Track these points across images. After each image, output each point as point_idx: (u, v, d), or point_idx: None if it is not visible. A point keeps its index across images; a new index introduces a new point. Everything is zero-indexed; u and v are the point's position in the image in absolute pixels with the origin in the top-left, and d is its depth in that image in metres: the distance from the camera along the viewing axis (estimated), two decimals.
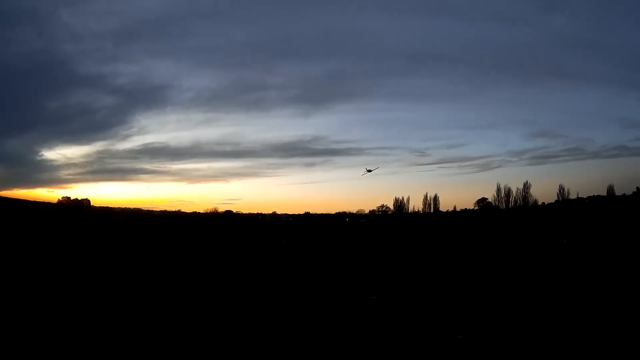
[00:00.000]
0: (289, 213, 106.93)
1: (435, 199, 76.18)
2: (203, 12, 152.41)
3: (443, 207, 79.10)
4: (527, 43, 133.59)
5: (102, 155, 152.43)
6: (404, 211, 77.01)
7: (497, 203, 67.41)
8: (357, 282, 14.91)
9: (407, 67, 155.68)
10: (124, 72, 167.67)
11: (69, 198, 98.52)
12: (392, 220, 75.05)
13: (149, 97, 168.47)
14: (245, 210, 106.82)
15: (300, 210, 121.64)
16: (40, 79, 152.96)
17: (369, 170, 54.78)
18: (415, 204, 79.84)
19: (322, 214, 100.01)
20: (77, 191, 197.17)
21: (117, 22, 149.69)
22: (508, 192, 66.43)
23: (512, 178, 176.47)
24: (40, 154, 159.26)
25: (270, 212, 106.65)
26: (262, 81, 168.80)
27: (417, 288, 13.35)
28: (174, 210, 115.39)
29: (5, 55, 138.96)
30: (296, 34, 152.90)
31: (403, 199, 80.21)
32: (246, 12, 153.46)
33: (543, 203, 69.86)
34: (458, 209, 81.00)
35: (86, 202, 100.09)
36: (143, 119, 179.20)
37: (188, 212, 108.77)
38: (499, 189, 67.23)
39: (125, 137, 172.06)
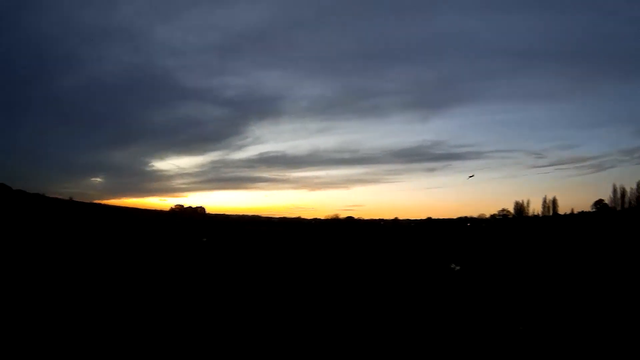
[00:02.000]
0: (411, 218, 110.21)
1: (554, 201, 72.83)
2: (305, 23, 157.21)
3: (561, 210, 73.39)
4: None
5: (216, 165, 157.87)
6: (523, 215, 73.46)
7: (613, 204, 62.20)
8: (478, 289, 13.59)
9: (517, 65, 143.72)
10: (232, 85, 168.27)
11: (181, 206, 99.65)
12: (512, 225, 72.02)
13: (261, 108, 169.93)
14: (367, 216, 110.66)
15: (422, 215, 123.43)
16: (142, 93, 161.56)
17: (471, 176, 60.23)
18: (535, 207, 76.69)
19: (443, 219, 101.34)
20: (190, 199, 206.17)
21: (219, 37, 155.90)
22: (623, 193, 61.93)
23: (626, 178, 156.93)
24: (150, 164, 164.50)
25: (392, 218, 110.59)
26: (376, 87, 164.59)
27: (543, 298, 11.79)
28: (293, 217, 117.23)
29: (103, 71, 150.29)
30: (404, 38, 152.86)
31: (523, 202, 78.41)
32: (350, 19, 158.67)
33: None
34: (575, 211, 71.99)
35: (200, 209, 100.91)
36: (257, 129, 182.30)
37: (308, 218, 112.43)
38: (615, 190, 63.86)
39: (240, 147, 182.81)
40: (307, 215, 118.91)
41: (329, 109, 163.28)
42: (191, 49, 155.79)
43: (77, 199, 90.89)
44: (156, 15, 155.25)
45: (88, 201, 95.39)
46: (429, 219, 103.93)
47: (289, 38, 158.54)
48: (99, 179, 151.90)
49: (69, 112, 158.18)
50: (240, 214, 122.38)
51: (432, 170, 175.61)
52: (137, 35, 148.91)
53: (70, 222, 42.59)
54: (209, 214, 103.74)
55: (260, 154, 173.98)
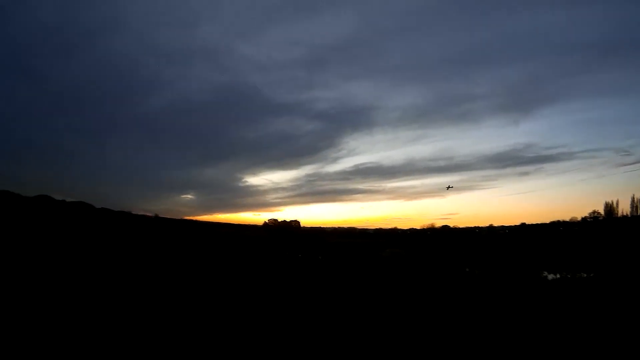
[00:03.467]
0: (505, 225, 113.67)
1: None
2: (389, 31, 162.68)
3: None
4: None
5: (311, 178, 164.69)
6: (613, 216, 79.72)
7: None
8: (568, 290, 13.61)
9: (599, 60, 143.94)
10: (323, 98, 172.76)
11: (275, 220, 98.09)
12: (602, 227, 77.56)
13: (354, 120, 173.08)
14: (462, 224, 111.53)
15: (515, 221, 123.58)
16: (232, 111, 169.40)
17: (449, 187, 69.02)
18: (623, 207, 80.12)
19: (537, 224, 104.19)
20: (286, 213, 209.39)
21: (304, 51, 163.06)
22: None
23: None
24: (243, 180, 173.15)
25: (487, 225, 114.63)
26: (466, 92, 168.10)
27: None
28: (389, 227, 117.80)
29: (189, 91, 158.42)
30: (487, 41, 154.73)
31: (612, 202, 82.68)
32: (433, 26, 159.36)
33: None
34: None
35: (295, 223, 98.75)
36: (352, 141, 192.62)
37: (404, 228, 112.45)
38: None
39: (335, 160, 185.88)
40: (403, 225, 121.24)
41: (421, 117, 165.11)
42: (277, 65, 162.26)
43: (167, 215, 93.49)
44: (238, 33, 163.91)
45: (178, 217, 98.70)
46: (523, 225, 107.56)
47: (375, 48, 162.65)
48: (189, 196, 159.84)
49: (158, 132, 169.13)
50: (336, 226, 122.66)
51: (524, 174, 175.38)
52: (221, 54, 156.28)
53: (154, 239, 42.46)
54: (304, 227, 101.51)
55: (355, 165, 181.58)
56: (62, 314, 8.76)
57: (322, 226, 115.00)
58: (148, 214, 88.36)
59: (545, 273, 22.04)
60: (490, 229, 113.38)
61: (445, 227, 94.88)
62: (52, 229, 38.74)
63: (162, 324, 8.43)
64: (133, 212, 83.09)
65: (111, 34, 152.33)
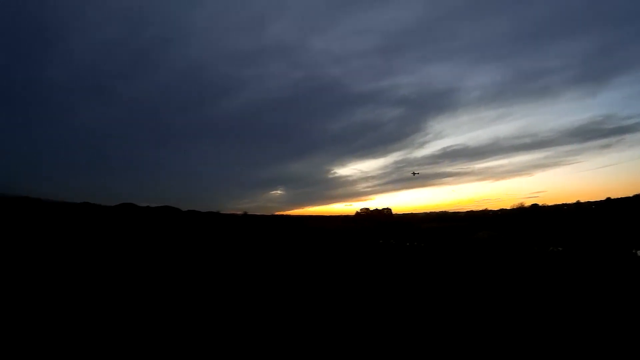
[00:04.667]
0: (591, 200, 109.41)
1: None
2: (460, 11, 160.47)
3: None
4: None
5: (399, 165, 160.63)
6: None
7: None
8: None
9: None
10: (404, 84, 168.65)
11: (367, 209, 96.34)
12: None
13: (437, 103, 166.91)
14: (550, 202, 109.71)
15: (601, 196, 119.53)
16: (313, 104, 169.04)
17: (414, 174, 67.37)
18: None
19: (622, 197, 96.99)
20: (376, 202, 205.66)
21: (378, 38, 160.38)
22: None
23: None
24: (332, 171, 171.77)
25: (574, 202, 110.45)
26: (542, 67, 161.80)
27: None
28: (480, 209, 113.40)
29: (267, 89, 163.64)
30: (557, 12, 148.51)
31: None
32: (501, 1, 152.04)
33: None
34: None
35: (387, 211, 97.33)
36: (437, 124, 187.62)
37: (495, 209, 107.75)
38: None
39: (422, 144, 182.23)
40: (493, 206, 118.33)
41: (500, 95, 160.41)
42: (353, 54, 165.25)
43: (258, 213, 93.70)
44: (308, 27, 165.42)
45: (268, 214, 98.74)
46: (608, 199, 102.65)
47: (447, 28, 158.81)
48: (279, 192, 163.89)
49: (241, 132, 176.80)
50: (427, 211, 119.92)
51: (606, 146, 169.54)
52: (294, 50, 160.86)
53: (242, 235, 43.26)
54: (395, 214, 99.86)
55: (443, 148, 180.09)
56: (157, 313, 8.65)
57: (413, 212, 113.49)
58: (237, 212, 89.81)
59: (634, 250, 20.93)
60: (578, 205, 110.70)
61: (534, 206, 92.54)
62: (137, 233, 38.30)
63: (256, 312, 8.61)
64: (221, 212, 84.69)
65: (184, 43, 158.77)
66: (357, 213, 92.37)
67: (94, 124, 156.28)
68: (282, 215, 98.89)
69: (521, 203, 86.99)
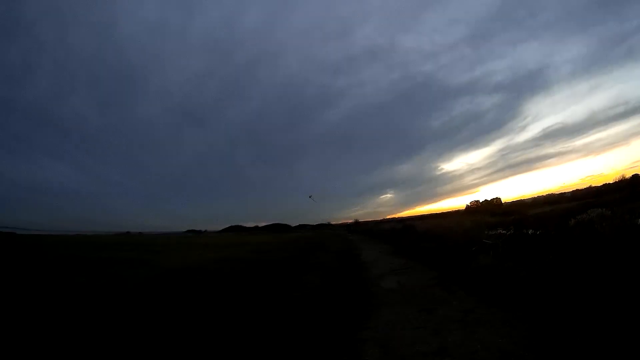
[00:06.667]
0: None
1: None
2: None
3: None
4: None
5: (503, 153, 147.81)
6: None
7: None
8: None
9: None
10: (496, 70, 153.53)
11: (477, 201, 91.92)
12: None
13: (530, 84, 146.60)
14: None
15: None
16: (412, 104, 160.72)
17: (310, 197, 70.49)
18: None
19: None
20: (484, 193, 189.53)
21: (463, 28, 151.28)
22: None
23: None
24: (439, 168, 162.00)
25: None
26: (621, 30, 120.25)
27: None
28: (584, 187, 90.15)
29: (365, 95, 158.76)
30: None
31: None
32: None
33: None
34: None
35: (497, 200, 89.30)
36: (533, 106, 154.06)
37: (598, 185, 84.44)
38: None
39: (522, 129, 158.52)
40: (596, 182, 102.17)
41: (591, 66, 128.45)
42: (443, 48, 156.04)
43: (368, 219, 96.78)
44: (394, 28, 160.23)
45: (379, 219, 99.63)
46: None
47: (528, 7, 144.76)
48: (389, 195, 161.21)
49: (344, 141, 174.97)
50: (535, 196, 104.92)
51: None
52: (385, 52, 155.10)
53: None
54: (504, 203, 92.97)
55: (543, 129, 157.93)
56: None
57: (522, 198, 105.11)
58: (348, 220, 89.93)
59: None
60: None
61: (635, 176, 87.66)
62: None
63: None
64: (332, 223, 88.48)
65: (273, 62, 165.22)
66: (467, 206, 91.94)
67: (195, 156, 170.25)
68: (391, 219, 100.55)
69: (622, 175, 78.85)
